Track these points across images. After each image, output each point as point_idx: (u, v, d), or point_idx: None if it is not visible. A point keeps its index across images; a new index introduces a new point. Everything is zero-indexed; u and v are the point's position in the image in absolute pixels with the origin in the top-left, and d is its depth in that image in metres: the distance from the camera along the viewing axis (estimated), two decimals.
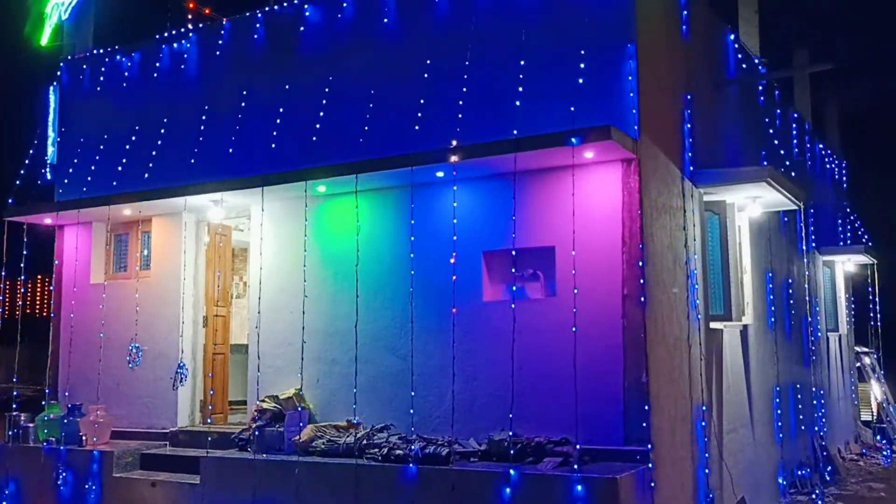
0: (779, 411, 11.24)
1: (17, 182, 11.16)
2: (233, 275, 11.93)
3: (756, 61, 12.39)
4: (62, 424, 9.97)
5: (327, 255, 9.39)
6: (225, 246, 10.83)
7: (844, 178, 18.79)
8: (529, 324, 8.03)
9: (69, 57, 12.04)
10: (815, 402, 13.03)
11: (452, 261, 8.31)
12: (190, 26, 11.04)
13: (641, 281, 7.69)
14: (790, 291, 12.59)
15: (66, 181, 11.62)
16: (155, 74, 11.06)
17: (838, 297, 16.09)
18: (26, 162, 11.63)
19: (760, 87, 12.07)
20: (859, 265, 16.79)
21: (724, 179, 9.24)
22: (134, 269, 11.01)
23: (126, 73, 11.37)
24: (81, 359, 10.78)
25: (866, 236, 16.54)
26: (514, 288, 8.09)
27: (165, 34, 11.11)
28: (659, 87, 8.58)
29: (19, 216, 10.94)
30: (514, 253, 8.00)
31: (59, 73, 12.08)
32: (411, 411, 8.33)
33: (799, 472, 11.81)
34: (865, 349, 17.93)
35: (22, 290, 14.41)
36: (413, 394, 8.33)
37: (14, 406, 10.55)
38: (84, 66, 11.82)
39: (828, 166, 17.26)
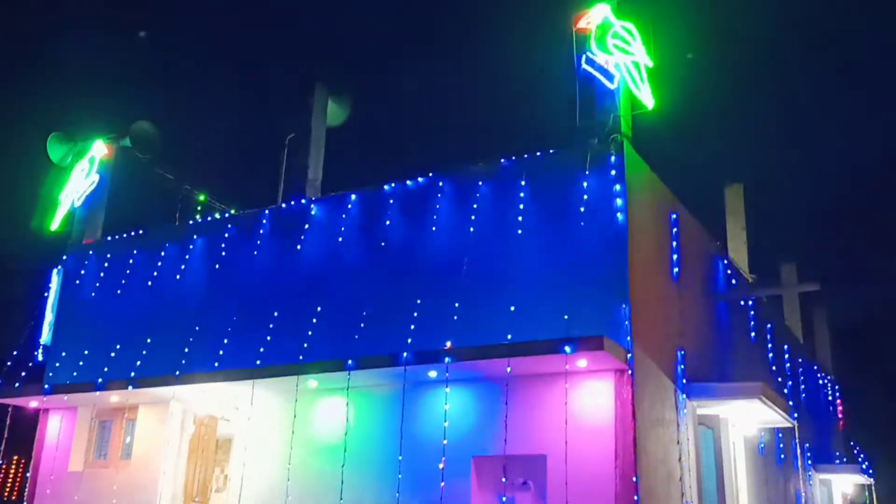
0: None
1: (8, 363, 11.09)
2: (214, 466, 11.56)
3: (744, 277, 12.68)
4: None
5: (314, 451, 9.16)
6: (209, 438, 10.58)
7: (838, 394, 18.70)
8: None
9: (76, 243, 12.30)
10: None
11: (441, 466, 8.12)
12: (198, 218, 11.37)
13: (635, 497, 7.48)
14: None
15: (57, 364, 11.54)
16: (159, 263, 11.26)
17: None
18: (20, 342, 11.60)
19: (751, 302, 12.28)
20: (857, 485, 16.38)
21: (718, 395, 9.21)
22: (115, 458, 10.69)
23: (130, 262, 11.56)
24: None
25: (862, 455, 16.24)
26: (504, 498, 7.85)
27: (169, 228, 11.41)
28: (651, 298, 8.75)
29: (6, 398, 10.77)
30: (504, 460, 7.83)
31: (64, 257, 12.28)
32: None
33: None
34: None
35: None
36: None
37: None
38: (90, 252, 12.05)
39: (820, 382, 17.24)
